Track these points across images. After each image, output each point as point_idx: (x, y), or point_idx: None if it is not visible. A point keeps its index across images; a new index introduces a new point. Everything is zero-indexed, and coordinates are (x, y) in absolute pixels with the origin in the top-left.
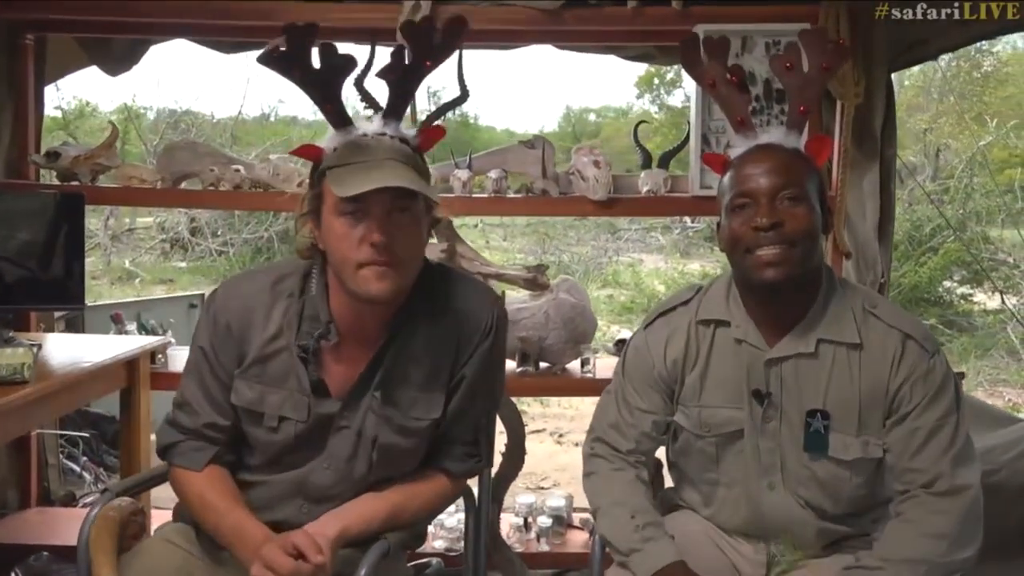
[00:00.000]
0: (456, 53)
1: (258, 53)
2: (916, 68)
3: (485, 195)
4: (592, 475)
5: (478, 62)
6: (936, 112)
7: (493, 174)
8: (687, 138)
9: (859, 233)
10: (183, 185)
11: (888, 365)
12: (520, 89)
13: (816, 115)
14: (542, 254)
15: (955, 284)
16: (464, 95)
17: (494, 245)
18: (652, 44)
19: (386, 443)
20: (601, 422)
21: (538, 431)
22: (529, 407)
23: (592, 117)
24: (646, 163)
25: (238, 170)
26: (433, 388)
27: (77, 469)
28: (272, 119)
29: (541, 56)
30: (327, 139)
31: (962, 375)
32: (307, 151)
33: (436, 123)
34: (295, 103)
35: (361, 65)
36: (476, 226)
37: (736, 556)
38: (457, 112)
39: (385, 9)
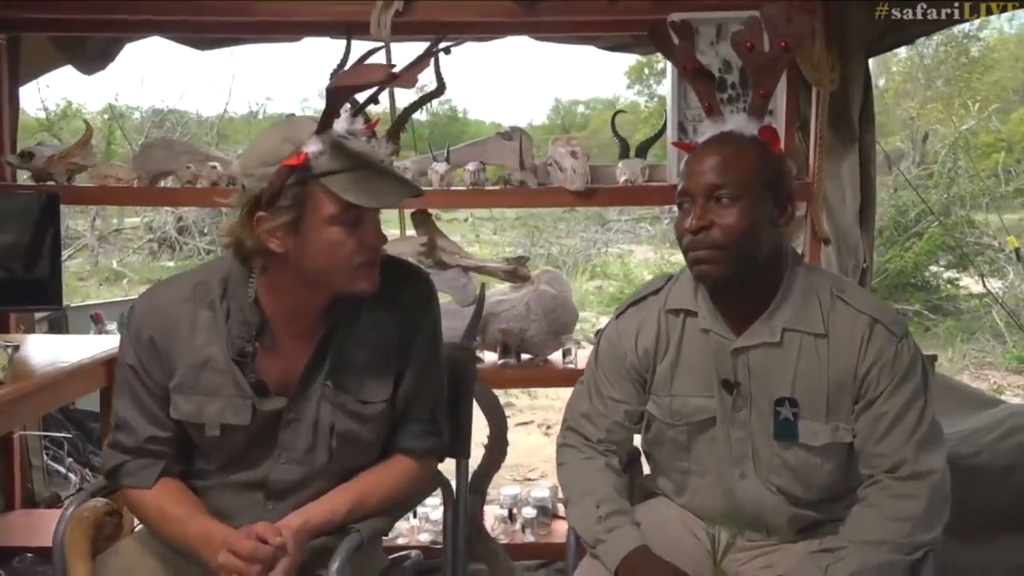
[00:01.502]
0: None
1: (237, 49)
2: (904, 55)
3: (463, 188)
4: (563, 465)
5: (465, 56)
6: (924, 98)
7: (470, 166)
8: (664, 127)
9: (839, 219)
10: (160, 183)
11: (856, 350)
12: (509, 82)
13: (793, 102)
14: (531, 247)
15: (941, 269)
16: (440, 88)
17: (484, 239)
18: (628, 33)
19: (343, 430)
20: (574, 412)
21: (525, 423)
22: (517, 399)
23: (581, 109)
24: (624, 152)
25: (214, 167)
26: (381, 371)
27: (62, 470)
28: (260, 116)
29: (529, 49)
30: (307, 143)
31: (934, 358)
32: (300, 159)
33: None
34: (283, 100)
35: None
36: (466, 220)
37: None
38: (446, 106)
39: (359, 3)
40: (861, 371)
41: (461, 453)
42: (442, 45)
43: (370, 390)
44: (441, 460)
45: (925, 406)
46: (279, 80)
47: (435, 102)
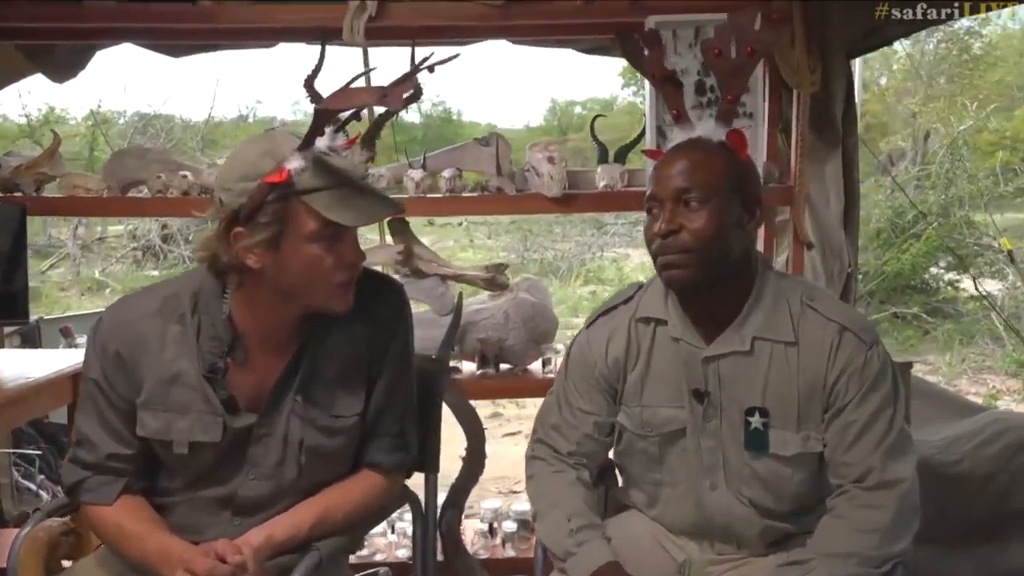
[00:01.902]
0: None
1: (222, 53)
2: (904, 52)
3: (439, 195)
4: (532, 478)
5: (459, 57)
6: (926, 96)
7: (447, 173)
8: (643, 131)
9: (823, 222)
10: (132, 192)
11: (825, 358)
12: (505, 84)
13: (776, 104)
14: (525, 251)
15: (941, 271)
16: (417, 93)
17: (478, 244)
18: (606, 36)
19: (312, 445)
20: (543, 424)
21: (513, 433)
22: (504, 408)
23: (578, 110)
24: (603, 157)
25: (185, 176)
26: (353, 385)
27: (34, 488)
28: (250, 120)
29: (524, 50)
30: (289, 159)
31: (909, 366)
32: (282, 176)
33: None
34: (273, 103)
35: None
36: (460, 224)
37: (681, 556)
38: (439, 108)
39: (331, 8)
40: (830, 379)
41: (430, 467)
42: (428, 63)
43: (342, 404)
44: (409, 475)
45: (894, 415)
46: (269, 83)
47: (428, 104)
